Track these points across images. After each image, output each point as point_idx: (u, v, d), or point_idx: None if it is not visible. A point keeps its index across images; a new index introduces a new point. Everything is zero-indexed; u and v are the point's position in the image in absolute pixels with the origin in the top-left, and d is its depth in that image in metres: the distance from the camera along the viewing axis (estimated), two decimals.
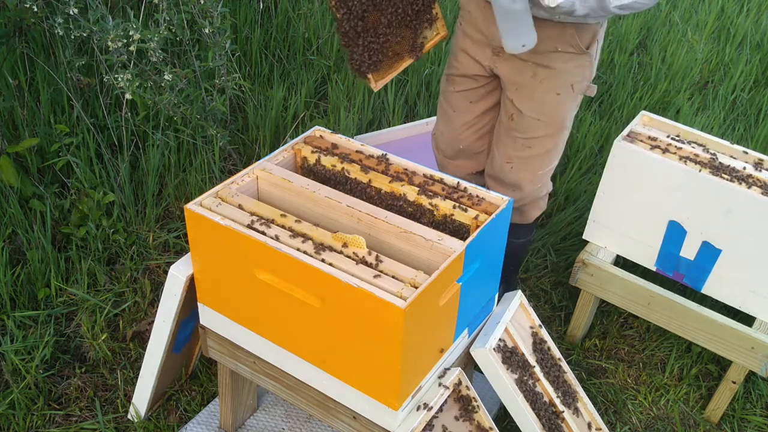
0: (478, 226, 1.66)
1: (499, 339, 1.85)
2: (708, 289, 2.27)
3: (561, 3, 1.74)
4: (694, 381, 2.50)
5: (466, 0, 2.18)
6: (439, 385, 1.71)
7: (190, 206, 1.66)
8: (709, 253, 2.21)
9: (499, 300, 1.97)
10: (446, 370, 1.75)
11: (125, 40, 2.56)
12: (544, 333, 2.00)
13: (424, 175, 1.84)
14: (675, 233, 2.24)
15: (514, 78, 2.13)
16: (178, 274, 1.83)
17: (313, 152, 1.89)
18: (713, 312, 2.24)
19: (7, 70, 2.94)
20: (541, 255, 2.93)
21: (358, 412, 1.66)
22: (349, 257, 1.55)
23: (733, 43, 4.49)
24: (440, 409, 1.69)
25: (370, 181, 1.80)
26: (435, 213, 1.74)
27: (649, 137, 2.29)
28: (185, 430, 2.14)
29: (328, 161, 1.86)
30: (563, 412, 1.92)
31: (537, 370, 1.90)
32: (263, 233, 1.59)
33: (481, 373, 1.88)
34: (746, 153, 2.24)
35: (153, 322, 1.96)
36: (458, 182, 1.81)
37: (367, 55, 2.05)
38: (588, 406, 2.01)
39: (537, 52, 2.03)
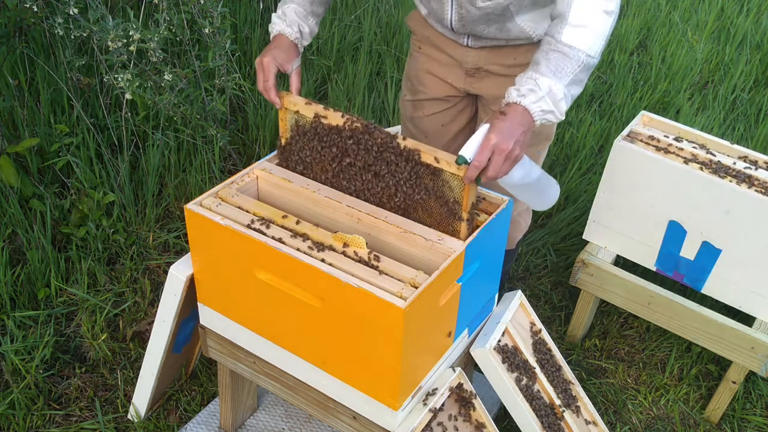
0: (478, 226, 1.66)
1: (499, 339, 1.85)
2: (708, 289, 2.27)
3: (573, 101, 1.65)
4: (694, 381, 2.50)
5: (419, 26, 2.07)
6: (439, 385, 1.71)
7: (190, 206, 1.66)
8: (709, 253, 2.21)
9: (499, 300, 1.97)
10: (446, 370, 1.75)
11: (125, 40, 2.56)
12: (544, 333, 2.00)
13: None
14: (675, 233, 2.24)
15: (498, 93, 2.03)
16: (178, 274, 1.83)
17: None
18: (713, 312, 2.24)
19: (7, 70, 2.94)
20: (541, 255, 2.93)
21: (358, 412, 1.66)
22: (349, 257, 1.55)
23: (733, 43, 4.49)
24: (440, 409, 1.69)
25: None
26: None
27: (649, 137, 2.29)
28: (185, 430, 2.14)
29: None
30: (563, 412, 1.92)
31: (537, 370, 1.90)
32: (263, 233, 1.59)
33: (481, 373, 1.88)
34: (745, 154, 2.24)
35: (153, 322, 1.96)
36: None
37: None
38: (588, 406, 2.01)
39: (518, 65, 1.98)
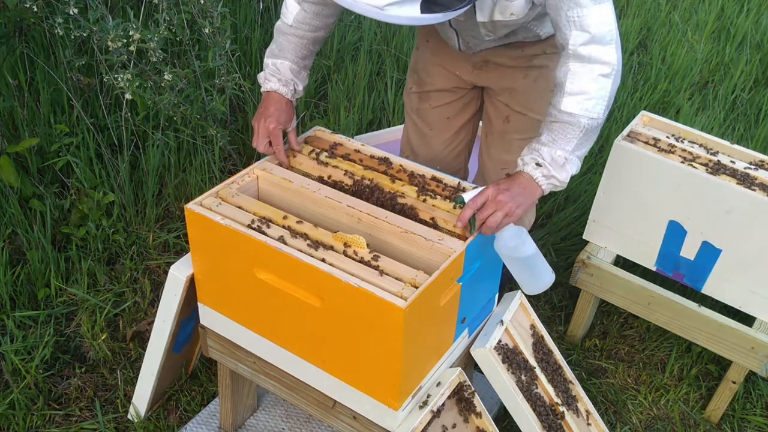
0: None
1: (499, 339, 1.85)
2: (708, 289, 2.27)
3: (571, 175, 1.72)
4: (694, 381, 2.50)
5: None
6: (439, 385, 1.71)
7: (191, 206, 1.66)
8: (709, 253, 2.21)
9: (499, 300, 1.97)
10: (446, 370, 1.75)
11: (125, 40, 2.56)
12: (544, 333, 2.00)
13: (424, 175, 1.84)
14: (675, 233, 2.24)
15: (506, 84, 2.09)
16: (178, 274, 1.83)
17: (312, 152, 1.89)
18: (713, 312, 2.24)
19: (7, 70, 2.93)
20: None
21: (358, 412, 1.66)
22: (349, 257, 1.55)
23: (733, 43, 4.49)
24: (440, 409, 1.69)
25: (372, 180, 1.80)
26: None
27: (650, 137, 2.29)
28: (185, 430, 2.14)
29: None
30: (563, 412, 1.92)
31: (537, 370, 1.90)
32: (263, 233, 1.59)
33: (481, 373, 1.88)
34: (745, 153, 2.24)
35: (153, 322, 1.96)
36: (458, 182, 1.81)
37: None
38: (588, 406, 2.01)
39: (525, 56, 2.02)
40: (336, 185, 1.80)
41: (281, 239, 1.57)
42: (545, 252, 2.92)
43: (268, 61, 1.91)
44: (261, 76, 1.92)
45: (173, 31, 2.78)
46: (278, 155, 1.84)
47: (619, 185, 2.29)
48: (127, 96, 2.64)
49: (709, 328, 2.24)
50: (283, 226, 1.62)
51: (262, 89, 1.92)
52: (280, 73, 1.89)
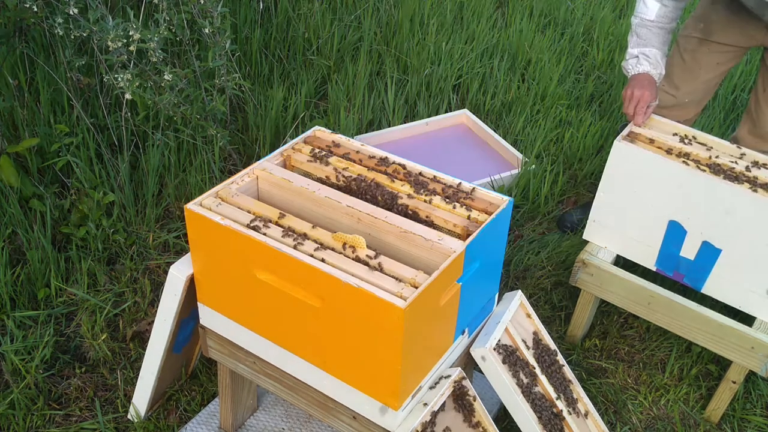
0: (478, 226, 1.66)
1: (499, 339, 1.85)
2: (708, 289, 2.27)
3: None
4: (694, 381, 2.50)
5: None
6: (439, 384, 1.71)
7: (190, 206, 1.66)
8: (709, 253, 2.21)
9: (499, 300, 1.97)
10: (446, 370, 1.75)
11: (125, 40, 2.56)
12: (544, 333, 2.00)
13: (424, 175, 1.84)
14: (675, 233, 2.24)
15: None
16: (178, 274, 1.83)
17: (310, 154, 1.89)
18: (713, 312, 2.24)
19: (7, 70, 2.94)
20: (541, 255, 2.93)
21: (358, 412, 1.66)
22: (349, 257, 1.55)
23: None
24: (440, 409, 1.69)
25: (372, 180, 1.80)
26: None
27: (649, 137, 2.29)
28: (185, 430, 2.14)
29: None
30: (563, 412, 1.92)
31: (537, 370, 1.90)
32: (263, 233, 1.59)
33: (481, 373, 1.88)
34: (745, 153, 2.24)
35: (153, 322, 1.96)
36: (459, 182, 1.81)
37: None
38: (588, 406, 2.01)
39: None
40: (336, 185, 1.80)
41: (281, 239, 1.57)
42: (545, 252, 2.93)
43: (634, 50, 2.32)
44: (631, 63, 2.32)
45: (173, 31, 2.78)
46: (636, 119, 2.23)
47: (619, 185, 2.28)
48: (127, 96, 2.64)
49: (709, 328, 2.24)
50: (283, 226, 1.62)
51: (631, 73, 2.32)
52: (650, 58, 2.28)
